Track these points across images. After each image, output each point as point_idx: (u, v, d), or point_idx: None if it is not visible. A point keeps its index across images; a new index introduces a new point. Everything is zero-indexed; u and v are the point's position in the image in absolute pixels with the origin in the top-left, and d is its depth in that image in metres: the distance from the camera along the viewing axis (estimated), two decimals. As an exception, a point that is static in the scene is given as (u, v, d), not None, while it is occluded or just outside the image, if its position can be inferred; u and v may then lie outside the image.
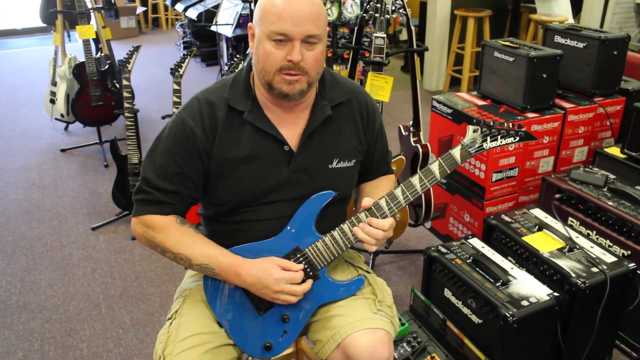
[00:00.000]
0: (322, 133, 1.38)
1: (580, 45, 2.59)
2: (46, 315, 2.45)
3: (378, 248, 1.54)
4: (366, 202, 1.33)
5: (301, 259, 1.35)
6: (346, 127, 1.42)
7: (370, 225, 1.30)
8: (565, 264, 1.87)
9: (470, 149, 1.34)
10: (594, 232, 2.14)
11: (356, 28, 2.33)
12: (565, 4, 4.88)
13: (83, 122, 3.93)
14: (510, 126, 1.37)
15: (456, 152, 1.33)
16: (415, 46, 2.25)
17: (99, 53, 4.27)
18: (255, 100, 1.35)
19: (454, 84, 5.37)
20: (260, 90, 1.35)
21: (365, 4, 2.14)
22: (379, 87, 2.10)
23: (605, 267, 1.85)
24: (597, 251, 1.94)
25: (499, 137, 1.35)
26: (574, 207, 2.21)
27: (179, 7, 6.29)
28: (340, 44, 3.78)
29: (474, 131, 1.34)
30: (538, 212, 2.18)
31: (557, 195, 2.26)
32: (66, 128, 4.53)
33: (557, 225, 2.09)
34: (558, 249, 1.95)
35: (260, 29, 1.27)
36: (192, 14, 5.90)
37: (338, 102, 1.40)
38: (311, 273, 1.35)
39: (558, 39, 2.70)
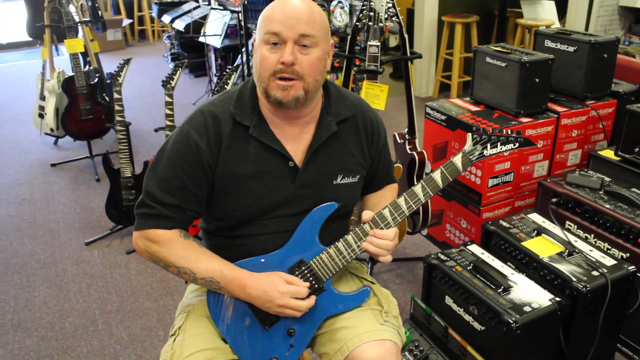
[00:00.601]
0: (327, 149, 1.38)
1: (571, 49, 2.61)
2: (42, 333, 2.41)
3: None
4: (367, 215, 1.32)
5: (306, 271, 1.33)
6: (351, 143, 1.42)
7: (377, 237, 1.29)
8: (566, 268, 1.88)
9: (471, 157, 1.34)
10: (592, 235, 2.14)
11: (349, 37, 2.33)
12: (551, 8, 4.93)
13: (73, 136, 3.89)
14: (510, 132, 1.38)
15: (457, 159, 1.33)
16: (408, 53, 2.26)
17: (88, 66, 4.24)
18: (261, 115, 1.34)
19: (444, 89, 5.40)
20: (264, 104, 1.34)
21: (358, 13, 2.14)
22: (375, 96, 2.10)
23: (605, 271, 1.86)
24: (596, 254, 1.95)
25: (498, 143, 1.35)
26: (571, 211, 2.22)
27: (166, 18, 6.27)
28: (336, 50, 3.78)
29: (474, 138, 1.35)
30: (536, 217, 2.19)
31: (554, 199, 2.26)
32: (56, 142, 4.48)
33: (555, 229, 2.10)
34: (558, 254, 1.96)
35: (258, 36, 1.28)
36: (180, 25, 5.88)
37: (344, 118, 1.40)
38: (316, 285, 1.34)
39: (548, 43, 2.72)
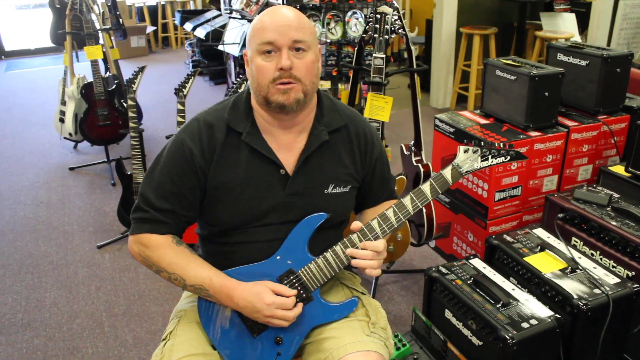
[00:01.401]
0: (318, 158, 1.39)
1: (583, 63, 2.58)
2: (50, 333, 2.46)
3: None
4: (355, 225, 1.33)
5: (294, 280, 1.35)
6: (343, 153, 1.43)
7: (362, 248, 1.30)
8: (567, 285, 1.85)
9: (461, 169, 1.34)
10: (598, 252, 2.11)
11: (356, 48, 2.35)
12: (571, 21, 4.88)
13: (91, 141, 3.97)
14: (502, 146, 1.37)
15: (447, 172, 1.34)
16: (415, 66, 2.26)
17: (108, 73, 4.33)
18: (255, 123, 1.37)
19: (461, 101, 5.38)
20: (258, 112, 1.36)
21: (365, 24, 2.16)
22: (379, 107, 2.10)
23: (608, 289, 1.83)
24: (600, 272, 1.92)
25: (489, 157, 1.35)
26: (577, 227, 2.19)
27: (188, 26, 6.38)
28: (342, 62, 3.80)
29: (465, 151, 1.35)
30: (541, 232, 2.16)
31: (560, 215, 2.23)
32: (75, 147, 4.58)
33: (559, 245, 2.07)
34: (560, 270, 1.93)
35: (250, 48, 1.31)
36: (201, 33, 5.97)
37: (335, 128, 1.41)
38: (304, 295, 1.35)
39: (561, 56, 2.70)
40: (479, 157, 1.35)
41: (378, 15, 2.06)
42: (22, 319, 2.56)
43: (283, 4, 3.79)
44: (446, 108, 5.42)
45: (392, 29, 2.07)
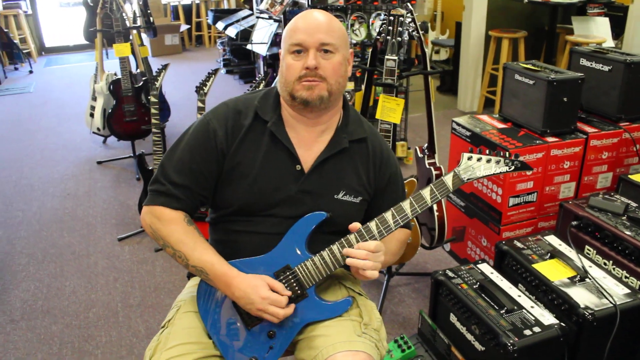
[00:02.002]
0: (335, 162, 1.43)
1: (606, 68, 2.53)
2: (67, 321, 2.54)
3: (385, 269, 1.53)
4: (354, 226, 1.35)
5: (290, 276, 1.37)
6: (359, 163, 1.47)
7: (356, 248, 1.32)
8: (575, 293, 1.82)
9: (462, 177, 1.34)
10: (611, 261, 2.07)
11: (370, 50, 2.35)
12: (604, 25, 4.76)
13: (117, 135, 4.08)
14: (507, 155, 1.37)
15: (448, 178, 1.35)
16: (429, 68, 2.26)
17: (137, 70, 4.44)
18: (281, 116, 1.43)
19: (489, 105, 5.31)
20: (285, 108, 1.42)
21: (378, 27, 2.16)
22: (390, 109, 2.10)
23: (616, 299, 1.79)
24: (609, 282, 1.88)
25: (493, 165, 1.35)
26: (590, 235, 2.15)
27: (220, 25, 6.47)
28: (355, 63, 3.81)
29: (469, 158, 1.35)
30: (552, 239, 2.13)
31: (574, 222, 2.19)
32: (105, 141, 4.71)
33: (570, 253, 2.04)
34: (568, 278, 1.90)
35: (283, 47, 1.38)
36: (232, 32, 6.06)
37: (357, 138, 1.46)
38: (299, 291, 1.37)
39: (583, 61, 2.65)
40: (482, 165, 1.34)
41: (392, 17, 2.06)
42: (42, 306, 2.65)
43: (308, 4, 3.82)
44: (473, 111, 5.35)
45: (406, 30, 2.07)
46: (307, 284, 1.37)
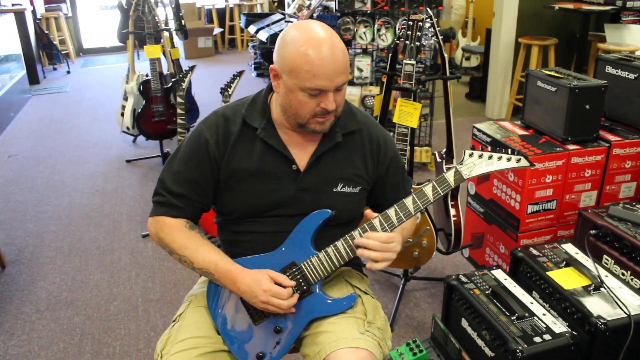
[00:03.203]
0: (330, 157, 1.45)
1: (632, 76, 2.49)
2: (89, 313, 2.62)
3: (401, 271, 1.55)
4: (369, 212, 1.39)
5: (296, 272, 1.39)
6: (355, 154, 1.48)
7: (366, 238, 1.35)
8: (588, 302, 1.79)
9: (463, 173, 1.35)
10: (629, 272, 2.03)
11: (390, 54, 2.37)
12: (637, 33, 4.66)
13: (146, 135, 4.18)
14: (510, 152, 1.37)
15: (450, 175, 1.36)
16: (448, 74, 2.26)
17: (168, 71, 4.54)
18: (270, 120, 1.44)
19: (517, 112, 5.24)
20: (278, 113, 1.43)
21: (398, 32, 2.18)
22: (408, 113, 2.12)
23: (631, 310, 1.76)
24: (625, 292, 1.85)
25: (495, 160, 1.35)
26: (609, 245, 2.11)
27: (252, 29, 6.56)
28: (376, 67, 3.82)
29: (470, 155, 1.36)
30: (569, 247, 2.10)
31: (592, 231, 2.16)
32: (134, 140, 4.83)
33: (587, 262, 2.01)
34: (583, 287, 1.87)
35: (292, 81, 1.30)
36: (263, 36, 6.14)
37: (349, 131, 1.47)
38: (305, 287, 1.39)
39: (609, 69, 2.61)
40: (484, 162, 1.35)
41: (411, 22, 2.07)
42: (66, 298, 2.74)
43: (336, 9, 3.85)
44: (501, 119, 5.29)
45: (425, 34, 2.08)
46: (313, 279, 1.39)
